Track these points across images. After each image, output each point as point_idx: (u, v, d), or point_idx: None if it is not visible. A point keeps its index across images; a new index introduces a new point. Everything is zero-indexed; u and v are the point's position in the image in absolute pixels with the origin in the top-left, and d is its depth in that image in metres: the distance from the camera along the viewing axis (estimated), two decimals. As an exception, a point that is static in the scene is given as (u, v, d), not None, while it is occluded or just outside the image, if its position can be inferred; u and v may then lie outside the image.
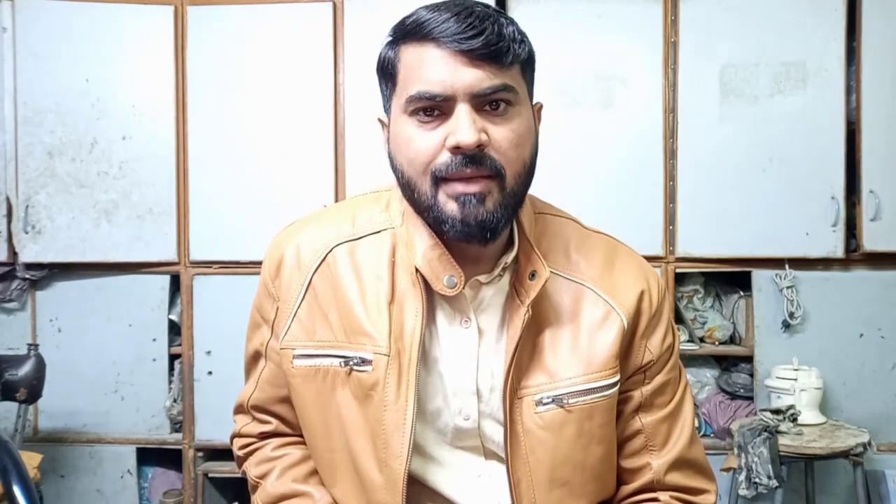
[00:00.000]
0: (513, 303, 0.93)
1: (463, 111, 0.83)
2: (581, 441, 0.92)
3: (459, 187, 0.85)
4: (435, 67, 0.83)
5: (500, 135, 0.85)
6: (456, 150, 0.83)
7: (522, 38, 0.87)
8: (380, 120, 0.96)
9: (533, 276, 0.92)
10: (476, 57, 0.82)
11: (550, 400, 0.92)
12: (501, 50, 0.83)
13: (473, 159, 0.83)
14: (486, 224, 0.85)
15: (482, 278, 0.94)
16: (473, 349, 0.94)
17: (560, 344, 0.93)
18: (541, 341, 0.94)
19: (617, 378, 0.94)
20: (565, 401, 0.91)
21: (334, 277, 0.95)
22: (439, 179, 0.85)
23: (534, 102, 0.93)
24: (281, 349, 0.97)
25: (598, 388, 0.92)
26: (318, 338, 0.94)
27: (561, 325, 0.94)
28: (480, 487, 0.96)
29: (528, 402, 0.92)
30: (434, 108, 0.84)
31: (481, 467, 0.97)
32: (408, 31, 0.86)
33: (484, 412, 0.94)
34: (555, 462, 0.92)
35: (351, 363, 0.92)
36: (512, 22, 0.86)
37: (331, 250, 0.96)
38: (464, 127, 0.82)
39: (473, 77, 0.83)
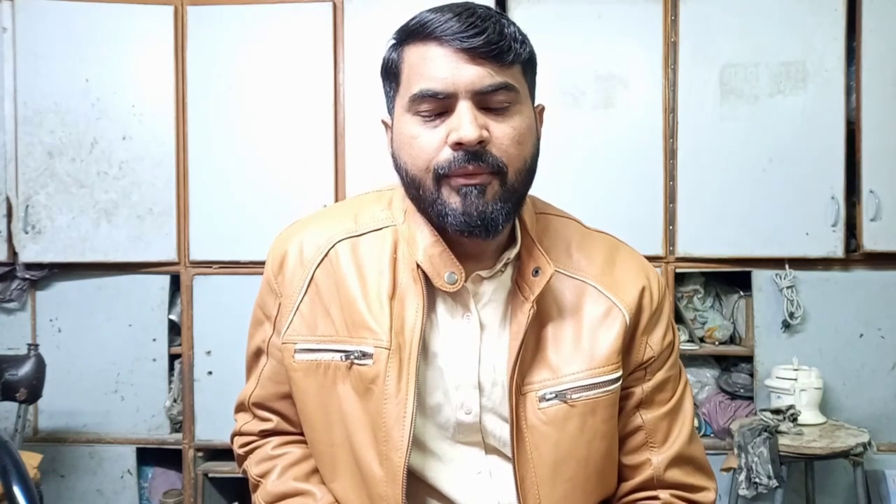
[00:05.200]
0: (516, 299, 0.93)
1: (464, 108, 0.84)
2: (584, 436, 0.92)
3: (461, 180, 0.85)
4: (437, 65, 0.84)
5: (502, 132, 0.86)
6: (458, 146, 0.84)
7: (523, 39, 0.88)
8: (383, 122, 0.97)
9: (536, 272, 0.92)
10: (478, 55, 0.84)
11: (553, 395, 0.92)
12: (502, 48, 0.84)
13: (475, 156, 0.84)
14: (487, 215, 0.86)
15: (483, 273, 0.94)
16: (475, 343, 0.94)
17: (563, 340, 0.94)
18: (543, 337, 0.94)
19: (619, 374, 0.94)
20: (568, 396, 0.92)
21: (336, 273, 0.95)
22: (441, 176, 0.86)
23: (536, 105, 0.94)
24: (283, 344, 0.97)
25: (601, 383, 0.93)
26: (320, 332, 0.95)
27: (563, 322, 0.95)
28: (480, 483, 0.96)
29: (532, 398, 0.92)
30: (436, 105, 0.85)
31: (481, 463, 0.97)
32: (411, 32, 0.88)
33: (486, 406, 0.94)
34: (558, 458, 0.92)
35: (352, 357, 0.92)
36: (513, 23, 0.88)
37: (333, 246, 0.97)
38: (465, 123, 0.83)
39: (475, 74, 0.84)
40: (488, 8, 0.88)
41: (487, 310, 0.95)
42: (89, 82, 2.73)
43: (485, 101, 0.85)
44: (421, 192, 0.89)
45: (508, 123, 0.86)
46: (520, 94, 0.87)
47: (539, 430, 0.92)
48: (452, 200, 0.86)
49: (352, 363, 0.92)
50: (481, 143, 0.84)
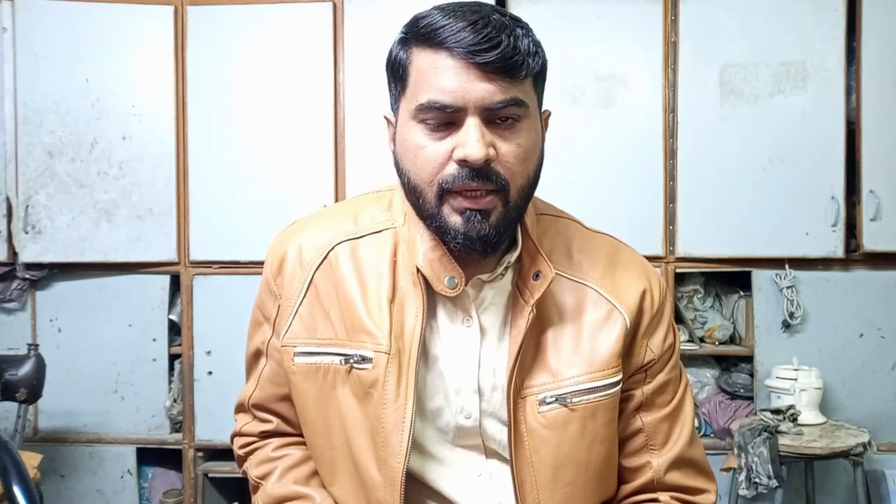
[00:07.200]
0: (516, 302, 0.93)
1: (472, 124, 0.83)
2: (584, 440, 0.92)
3: (465, 203, 0.85)
4: (447, 77, 0.82)
5: (508, 150, 0.85)
6: (463, 163, 0.83)
7: (537, 50, 0.86)
8: (386, 117, 0.95)
9: (537, 276, 0.92)
10: (490, 70, 0.81)
11: (554, 399, 0.92)
12: (516, 64, 0.82)
13: (480, 173, 0.83)
14: (489, 239, 0.86)
15: (484, 277, 0.94)
16: (475, 347, 0.94)
17: (563, 343, 0.94)
18: (544, 341, 0.94)
19: (620, 377, 0.94)
20: (569, 400, 0.92)
21: (336, 275, 0.95)
22: (445, 191, 0.85)
23: (542, 111, 0.93)
24: (282, 347, 0.97)
25: (601, 387, 0.93)
26: (319, 335, 0.94)
27: (564, 325, 0.94)
28: (481, 486, 0.96)
29: (532, 401, 0.92)
30: (443, 117, 0.84)
31: (482, 466, 0.97)
32: (421, 35, 0.85)
33: (486, 411, 0.94)
34: (558, 461, 0.92)
35: (351, 361, 0.92)
36: (528, 32, 0.85)
37: (332, 248, 0.96)
38: (472, 141, 0.82)
39: (485, 90, 0.82)
40: (503, 14, 0.85)
41: (488, 314, 0.95)
42: (89, 82, 2.73)
43: (493, 116, 0.84)
44: (421, 203, 0.88)
45: (515, 140, 0.85)
46: (529, 108, 0.86)
47: (539, 433, 0.91)
48: (453, 220, 0.86)
49: (351, 367, 0.92)
50: (487, 161, 0.83)
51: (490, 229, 0.85)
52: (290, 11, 2.70)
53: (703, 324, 2.80)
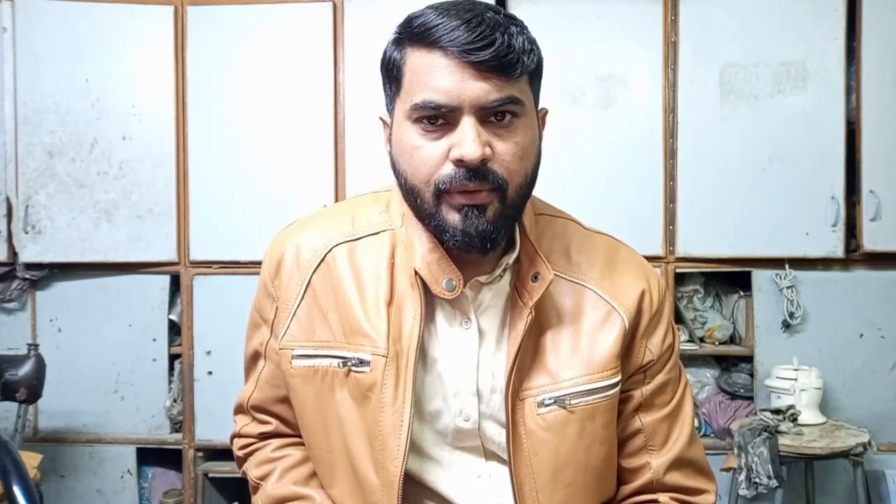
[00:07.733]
0: (515, 304, 0.93)
1: (468, 124, 0.82)
2: (583, 441, 0.92)
3: (462, 199, 0.84)
4: (441, 77, 0.82)
5: (504, 148, 0.84)
6: (459, 163, 0.82)
7: (532, 48, 0.85)
8: (381, 118, 0.95)
9: (536, 277, 0.91)
10: (484, 69, 0.81)
11: (552, 401, 0.91)
12: (511, 62, 0.81)
13: (477, 173, 0.83)
14: (487, 235, 0.85)
15: (482, 279, 0.93)
16: (474, 350, 0.93)
17: (561, 345, 0.93)
18: (542, 342, 0.93)
19: (618, 378, 0.94)
20: (567, 401, 0.91)
21: (333, 277, 0.94)
22: (442, 192, 0.84)
23: (539, 108, 0.92)
24: (280, 349, 0.96)
25: (600, 388, 0.92)
26: (317, 338, 0.94)
27: (562, 326, 0.94)
28: (480, 488, 0.96)
29: (530, 403, 0.92)
30: (439, 117, 0.83)
31: (481, 468, 0.96)
32: (415, 34, 0.84)
33: (484, 413, 0.94)
34: (557, 463, 0.91)
35: (349, 364, 0.91)
36: (523, 30, 0.85)
37: (330, 250, 0.96)
38: (468, 141, 0.81)
39: (480, 89, 0.81)
40: (497, 11, 0.84)
41: (486, 316, 0.94)
42: (89, 82, 2.73)
43: (489, 115, 0.83)
44: (419, 203, 0.87)
45: (511, 139, 0.84)
46: (525, 106, 0.85)
47: (538, 435, 0.91)
48: (451, 218, 0.85)
49: (349, 370, 0.91)
50: (483, 160, 0.82)
51: (488, 224, 0.85)
52: (290, 11, 2.70)
53: (703, 324, 2.80)
